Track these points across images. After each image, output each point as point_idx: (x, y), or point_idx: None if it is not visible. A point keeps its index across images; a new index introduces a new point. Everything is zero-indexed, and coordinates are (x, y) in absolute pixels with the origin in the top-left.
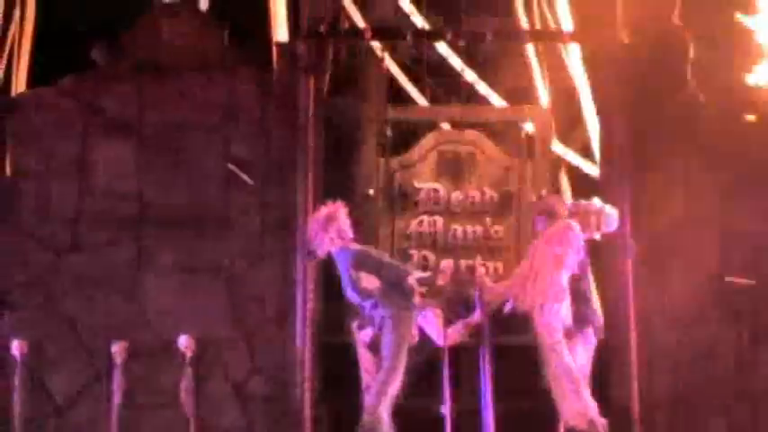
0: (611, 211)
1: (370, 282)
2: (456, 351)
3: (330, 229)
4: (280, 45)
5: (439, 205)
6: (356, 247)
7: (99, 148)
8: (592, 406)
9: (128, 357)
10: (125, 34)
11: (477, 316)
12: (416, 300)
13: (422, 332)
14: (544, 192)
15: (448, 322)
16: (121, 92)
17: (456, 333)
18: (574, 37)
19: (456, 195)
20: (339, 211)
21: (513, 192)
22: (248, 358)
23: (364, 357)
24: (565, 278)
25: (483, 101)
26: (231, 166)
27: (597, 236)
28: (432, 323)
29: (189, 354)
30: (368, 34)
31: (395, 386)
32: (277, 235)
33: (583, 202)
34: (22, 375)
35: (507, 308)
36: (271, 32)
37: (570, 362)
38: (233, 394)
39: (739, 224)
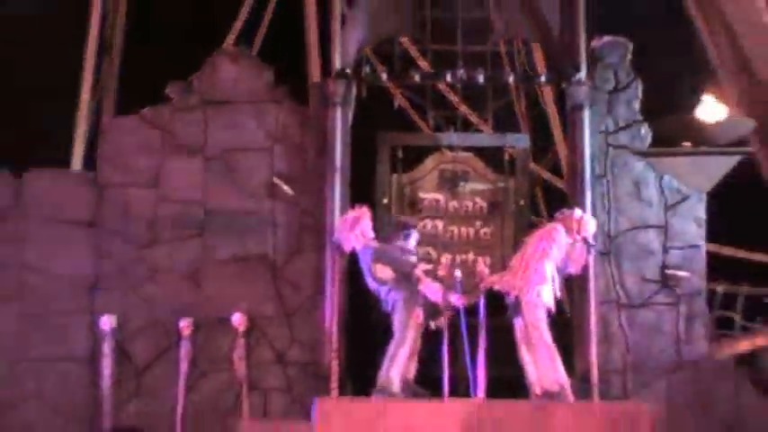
0: (590, 219)
1: (384, 272)
2: (453, 328)
3: (355, 229)
4: (314, 84)
5: (439, 212)
6: (375, 244)
7: (171, 164)
8: (562, 373)
9: (193, 331)
10: (193, 74)
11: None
12: (421, 287)
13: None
14: (522, 202)
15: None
16: (190, 120)
17: (457, 300)
18: (548, 80)
19: (453, 204)
20: (364, 214)
21: (498, 202)
22: (288, 332)
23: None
24: (548, 267)
25: (475, 129)
26: (276, 180)
27: (578, 237)
28: (435, 292)
29: (241, 328)
30: (384, 76)
31: (403, 355)
32: (312, 234)
33: (567, 210)
34: (110, 345)
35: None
36: (308, 74)
37: (548, 337)
38: (276, 361)
39: (678, 227)
